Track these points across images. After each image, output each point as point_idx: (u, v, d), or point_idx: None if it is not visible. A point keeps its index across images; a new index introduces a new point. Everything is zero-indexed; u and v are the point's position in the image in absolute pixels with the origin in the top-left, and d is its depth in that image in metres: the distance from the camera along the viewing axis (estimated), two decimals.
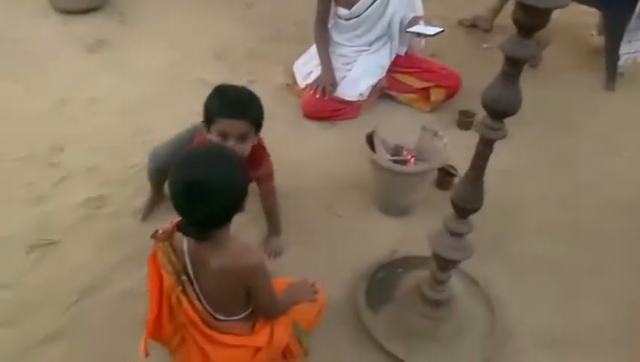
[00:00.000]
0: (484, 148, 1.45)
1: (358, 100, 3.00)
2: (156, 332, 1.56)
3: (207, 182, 1.31)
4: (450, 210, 1.60)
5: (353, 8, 2.94)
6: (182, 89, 3.11)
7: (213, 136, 1.79)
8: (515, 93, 1.33)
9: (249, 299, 1.57)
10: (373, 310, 1.90)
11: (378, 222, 2.34)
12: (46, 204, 2.29)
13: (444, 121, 2.96)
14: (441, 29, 2.90)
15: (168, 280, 1.47)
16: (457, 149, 2.24)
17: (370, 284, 1.99)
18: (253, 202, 1.96)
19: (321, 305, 1.79)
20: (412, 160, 2.32)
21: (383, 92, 3.15)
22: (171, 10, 3.98)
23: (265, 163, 2.01)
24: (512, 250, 2.24)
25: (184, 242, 1.45)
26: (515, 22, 1.24)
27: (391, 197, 2.34)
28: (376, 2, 2.92)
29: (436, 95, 3.05)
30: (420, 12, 3.03)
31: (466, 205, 1.54)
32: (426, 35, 2.91)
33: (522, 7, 1.20)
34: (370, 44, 3.06)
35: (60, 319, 1.83)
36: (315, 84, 2.97)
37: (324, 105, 2.93)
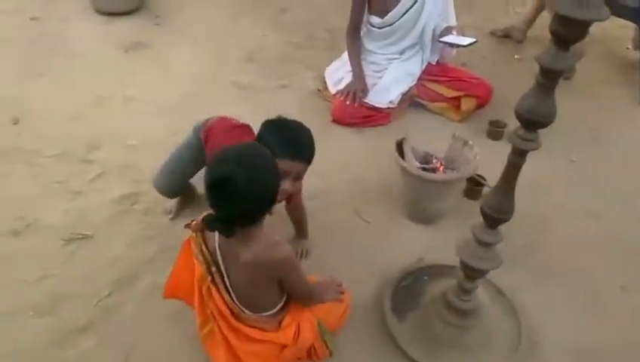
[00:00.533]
0: (517, 159, 1.44)
1: (388, 107, 3.00)
2: (172, 293, 1.68)
3: (236, 181, 1.33)
4: (478, 220, 1.60)
5: (386, 17, 2.95)
6: (215, 90, 3.17)
7: None
8: (550, 104, 1.32)
9: (278, 295, 1.60)
10: (398, 316, 1.91)
11: (405, 229, 2.35)
12: (82, 200, 2.36)
13: (474, 131, 2.95)
14: (474, 40, 2.88)
15: (199, 269, 1.51)
16: (487, 159, 2.24)
17: (396, 290, 1.99)
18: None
19: (346, 305, 1.81)
20: (441, 168, 2.32)
21: (413, 100, 3.14)
22: (206, 13, 4.05)
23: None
24: (540, 261, 2.22)
25: (215, 234, 1.48)
26: (553, 33, 1.23)
27: (419, 204, 2.34)
28: (409, 12, 2.93)
29: (467, 104, 3.04)
30: (453, 22, 3.04)
31: (497, 215, 1.54)
32: (458, 46, 2.90)
33: (560, 19, 1.19)
34: (402, 52, 3.07)
35: (92, 311, 1.89)
36: (346, 90, 2.98)
37: (355, 112, 2.95)
